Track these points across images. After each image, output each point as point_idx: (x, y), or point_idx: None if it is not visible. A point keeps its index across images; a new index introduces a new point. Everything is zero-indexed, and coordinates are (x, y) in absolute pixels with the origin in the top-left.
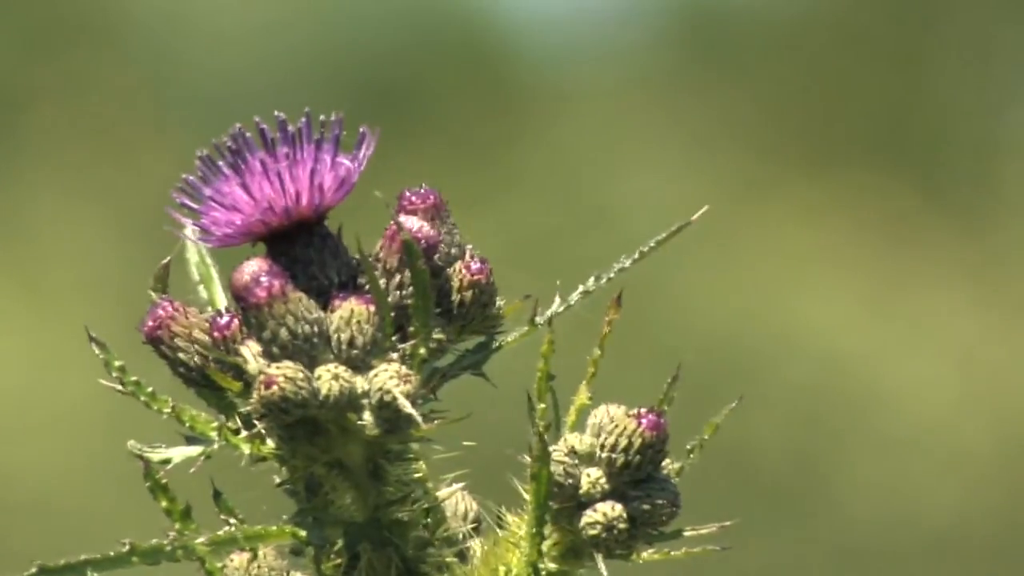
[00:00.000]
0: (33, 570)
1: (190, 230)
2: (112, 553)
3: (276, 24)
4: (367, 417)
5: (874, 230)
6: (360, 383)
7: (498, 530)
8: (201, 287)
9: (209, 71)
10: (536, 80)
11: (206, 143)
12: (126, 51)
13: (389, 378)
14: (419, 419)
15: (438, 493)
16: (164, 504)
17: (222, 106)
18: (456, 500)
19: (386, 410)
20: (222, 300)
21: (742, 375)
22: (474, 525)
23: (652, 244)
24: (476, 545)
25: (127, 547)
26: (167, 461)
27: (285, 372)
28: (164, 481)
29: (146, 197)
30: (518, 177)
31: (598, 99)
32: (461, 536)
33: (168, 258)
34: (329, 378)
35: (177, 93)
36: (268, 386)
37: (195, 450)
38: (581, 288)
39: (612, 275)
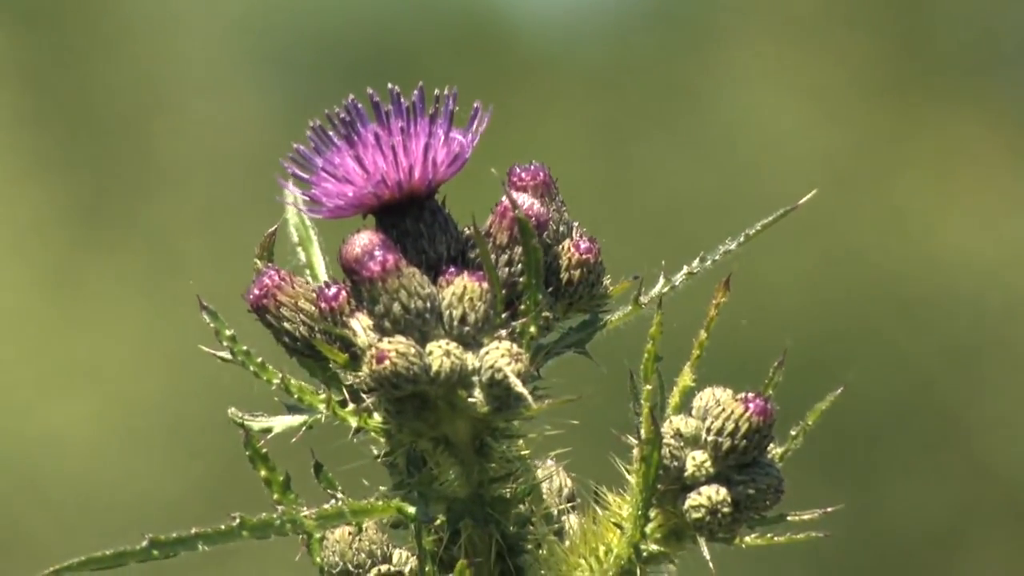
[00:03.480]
0: (144, 543)
1: (291, 195)
2: (223, 527)
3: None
4: (477, 394)
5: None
6: (471, 360)
7: (596, 508)
8: (300, 249)
9: (204, 48)
10: (536, 53)
11: (208, 123)
12: (123, 24)
13: (500, 356)
14: (530, 398)
15: (537, 471)
16: (263, 474)
17: (223, 77)
18: (552, 476)
19: (497, 388)
20: (321, 263)
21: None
22: (571, 503)
23: (758, 227)
24: (573, 522)
25: (237, 521)
26: (268, 430)
27: (397, 347)
28: (264, 451)
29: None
30: (520, 152)
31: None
32: (557, 513)
33: (274, 227)
34: (440, 354)
35: (175, 73)
36: (380, 360)
37: (296, 420)
38: (686, 269)
39: (717, 257)
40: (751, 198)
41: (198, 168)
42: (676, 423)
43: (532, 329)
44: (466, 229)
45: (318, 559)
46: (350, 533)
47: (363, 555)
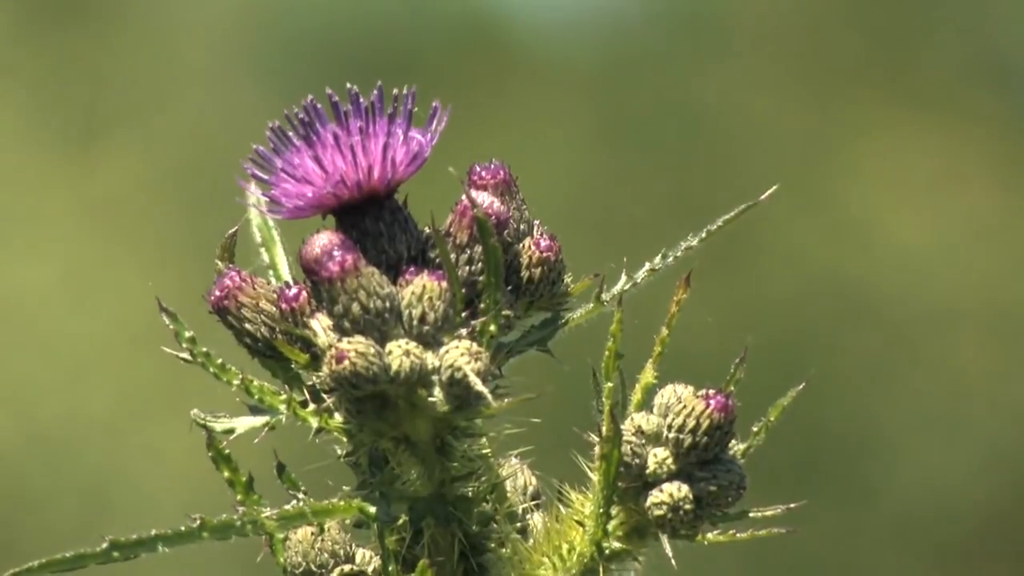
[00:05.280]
0: (104, 545)
1: (253, 196)
2: (183, 528)
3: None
4: (437, 393)
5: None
6: (431, 359)
7: (560, 506)
8: (263, 250)
9: (203, 44)
10: (536, 53)
11: (205, 117)
12: (120, 27)
13: (460, 355)
14: (489, 397)
15: (500, 469)
16: (227, 475)
17: (220, 77)
18: (516, 474)
19: (457, 387)
20: (284, 263)
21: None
22: (535, 501)
23: (720, 223)
24: (537, 520)
25: (197, 522)
26: (231, 431)
27: (356, 347)
28: (227, 451)
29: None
30: (519, 151)
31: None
32: (522, 511)
33: (235, 228)
34: (400, 354)
35: (174, 66)
36: (339, 360)
37: (259, 421)
38: (647, 266)
39: (679, 253)
40: (738, 194)
41: (198, 164)
42: (638, 420)
43: (492, 328)
44: (426, 228)
45: (281, 559)
46: (313, 533)
47: (326, 555)
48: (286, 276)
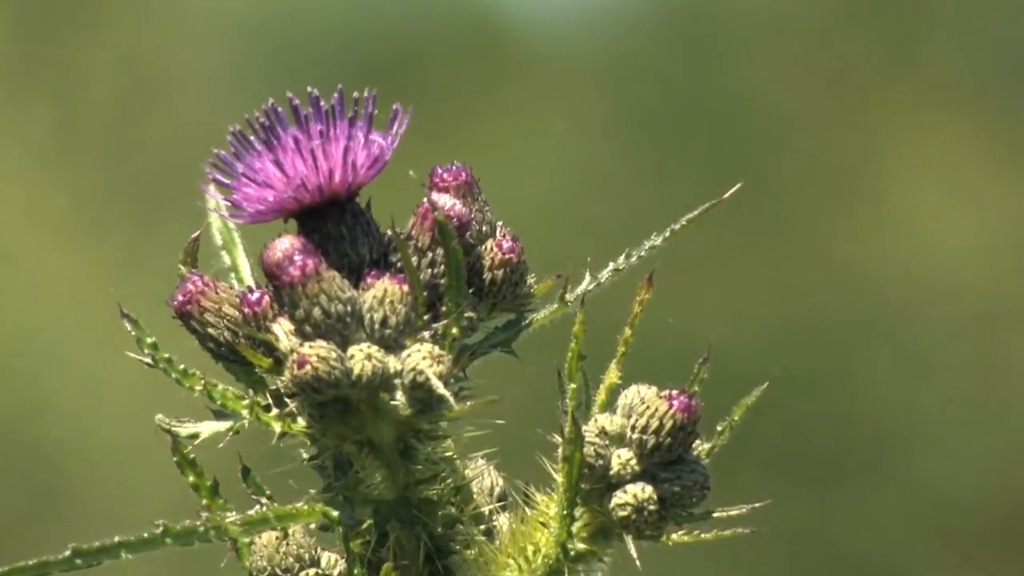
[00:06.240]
0: (67, 552)
1: (213, 200)
2: (146, 535)
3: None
4: (400, 397)
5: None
6: (393, 363)
7: (525, 508)
8: (224, 252)
9: (204, 45)
10: (536, 53)
11: (203, 120)
12: (120, 28)
13: (422, 358)
14: (452, 400)
15: (466, 471)
16: (192, 479)
17: (217, 81)
18: (482, 476)
19: (419, 390)
20: (245, 265)
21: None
22: (501, 502)
23: (683, 222)
24: (503, 522)
25: (161, 528)
26: (195, 436)
27: (318, 352)
28: (192, 456)
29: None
30: (520, 151)
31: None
32: (488, 513)
33: (198, 232)
34: (362, 358)
35: (173, 69)
36: (301, 365)
37: (223, 425)
38: (611, 266)
39: (643, 253)
40: (745, 191)
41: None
42: (601, 421)
43: (455, 330)
44: (388, 231)
45: (247, 563)
46: (277, 537)
47: (291, 559)
48: (248, 279)
